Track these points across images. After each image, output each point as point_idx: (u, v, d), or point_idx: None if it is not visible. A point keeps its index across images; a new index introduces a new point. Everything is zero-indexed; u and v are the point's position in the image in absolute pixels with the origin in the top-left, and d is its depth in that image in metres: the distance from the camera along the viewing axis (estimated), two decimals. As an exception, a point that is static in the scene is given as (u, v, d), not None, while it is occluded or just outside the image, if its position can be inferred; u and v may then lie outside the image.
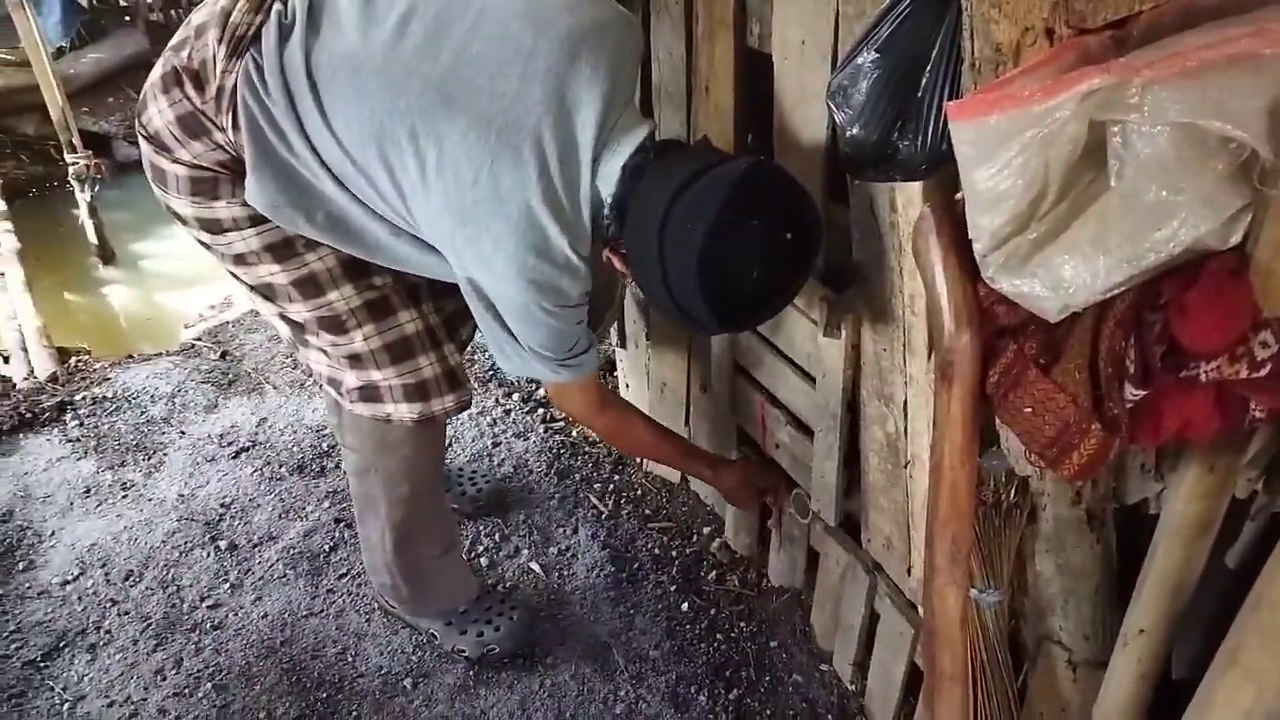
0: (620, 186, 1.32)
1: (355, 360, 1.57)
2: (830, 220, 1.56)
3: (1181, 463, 1.12)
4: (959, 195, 1.07)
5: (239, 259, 1.49)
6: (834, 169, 1.50)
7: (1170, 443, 1.05)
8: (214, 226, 1.46)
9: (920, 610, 1.63)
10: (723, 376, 1.99)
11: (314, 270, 1.49)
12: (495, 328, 1.43)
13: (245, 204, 1.41)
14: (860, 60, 1.04)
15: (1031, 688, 1.41)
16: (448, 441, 2.47)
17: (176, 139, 1.40)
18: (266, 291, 1.53)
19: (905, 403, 1.47)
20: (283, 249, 1.47)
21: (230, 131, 1.36)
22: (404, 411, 1.60)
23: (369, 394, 1.59)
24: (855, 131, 1.06)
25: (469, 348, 2.74)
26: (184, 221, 1.49)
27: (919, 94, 1.02)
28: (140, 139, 1.45)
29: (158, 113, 1.40)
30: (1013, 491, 1.22)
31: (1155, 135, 0.87)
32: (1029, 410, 0.97)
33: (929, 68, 1.02)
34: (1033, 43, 0.96)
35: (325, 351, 1.59)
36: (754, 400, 1.91)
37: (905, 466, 1.53)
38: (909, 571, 1.64)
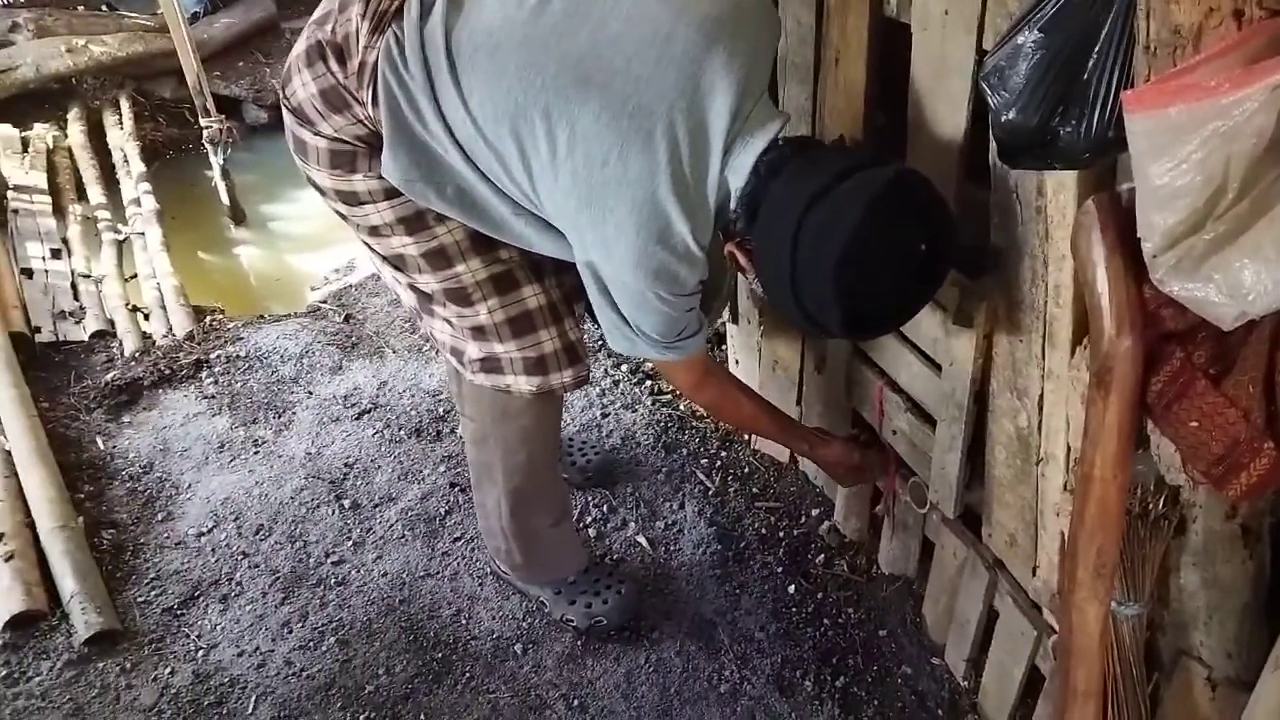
0: (753, 181, 1.29)
1: (479, 332, 1.59)
2: (966, 201, 1.49)
3: (1358, 481, 1.04)
4: (1124, 187, 1.00)
5: (373, 230, 1.52)
6: (972, 148, 1.43)
7: (1348, 461, 0.97)
8: (351, 199, 1.49)
9: (1044, 612, 1.57)
10: (839, 358, 1.94)
11: (443, 243, 1.51)
12: (607, 309, 1.43)
13: (381, 178, 1.43)
14: (1020, 39, 0.97)
15: (1165, 704, 1.34)
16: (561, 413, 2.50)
17: (319, 112, 1.43)
18: (398, 262, 1.56)
19: (1041, 397, 1.40)
20: (414, 222, 1.49)
21: (370, 107, 1.39)
22: (523, 384, 1.62)
23: (490, 365, 1.62)
24: (1012, 115, 0.99)
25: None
26: (323, 193, 1.53)
27: (1084, 78, 0.95)
28: (284, 111, 1.49)
29: (301, 85, 1.43)
30: (1161, 501, 1.15)
31: (1358, 130, 0.79)
32: (1195, 424, 0.91)
33: (1097, 50, 0.95)
34: (1218, 25, 0.88)
35: (450, 322, 1.61)
36: (871, 384, 1.86)
37: (1037, 464, 1.46)
38: (1034, 572, 1.57)
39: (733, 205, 1.33)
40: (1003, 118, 1.01)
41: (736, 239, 1.38)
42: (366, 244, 1.59)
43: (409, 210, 1.48)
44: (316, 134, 1.45)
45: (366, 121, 1.42)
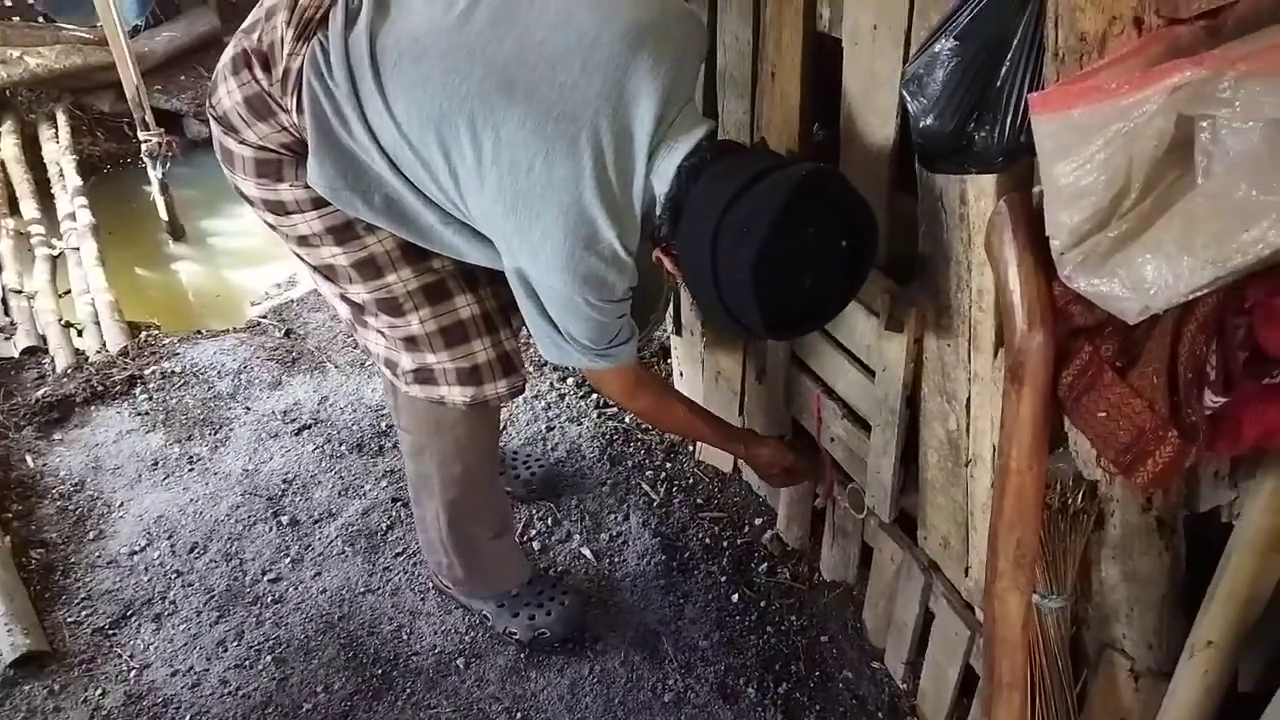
0: (675, 186, 1.31)
1: (411, 343, 1.58)
2: (895, 211, 1.53)
3: (1260, 471, 1.08)
4: (1036, 189, 1.04)
5: (302, 240, 1.51)
6: (901, 158, 1.47)
7: (1248, 452, 1.02)
8: (278, 208, 1.48)
9: (977, 612, 1.60)
10: (778, 367, 1.97)
11: (373, 253, 1.51)
12: (537, 317, 1.44)
13: (307, 187, 1.43)
14: (937, 48, 1.01)
15: (1091, 696, 1.37)
16: (503, 425, 2.49)
17: (244, 120, 1.42)
18: (328, 272, 1.55)
19: (968, 400, 1.44)
20: (343, 231, 1.49)
21: (295, 114, 1.38)
22: (457, 394, 1.61)
23: (423, 376, 1.61)
24: (930, 122, 1.03)
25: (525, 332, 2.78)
26: (251, 203, 1.51)
27: (997, 84, 0.99)
28: (210, 120, 1.48)
29: (227, 94, 1.43)
30: (1080, 496, 1.19)
31: (1247, 131, 0.83)
32: (1103, 415, 0.94)
33: (1009, 57, 0.99)
34: (1120, 33, 0.92)
35: (383, 333, 1.61)
36: (809, 392, 1.89)
37: (966, 465, 1.50)
38: (966, 572, 1.60)
39: (658, 210, 1.35)
40: (921, 123, 1.05)
41: (663, 244, 1.39)
42: (297, 254, 1.58)
43: (338, 220, 1.47)
44: (242, 142, 1.44)
45: (291, 129, 1.41)
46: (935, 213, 1.36)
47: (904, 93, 1.08)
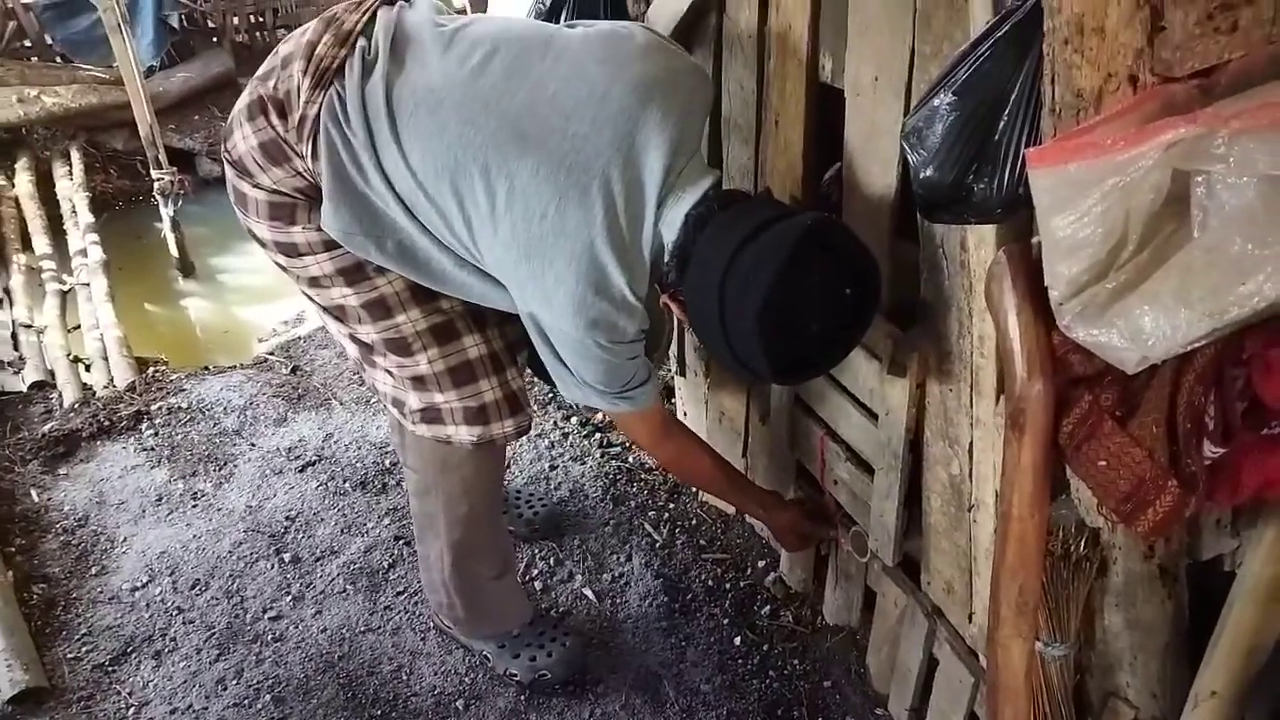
0: (683, 234, 1.34)
1: (419, 382, 1.60)
2: (897, 258, 1.55)
3: (1260, 521, 1.09)
4: (1035, 239, 1.05)
5: (313, 281, 1.54)
6: (903, 206, 1.50)
7: (1249, 501, 1.02)
8: (290, 250, 1.51)
9: (981, 659, 1.59)
10: (782, 409, 1.98)
11: (383, 294, 1.53)
12: (553, 359, 1.46)
13: (320, 230, 1.45)
14: (936, 102, 1.03)
15: (1097, 745, 1.36)
16: (507, 463, 2.50)
17: (258, 164, 1.45)
18: (338, 313, 1.57)
19: (971, 445, 1.44)
20: (354, 273, 1.51)
21: (309, 160, 1.41)
22: (464, 434, 1.62)
23: (431, 415, 1.62)
24: (929, 173, 1.05)
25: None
26: (263, 244, 1.54)
27: (996, 137, 1.01)
28: (225, 164, 1.51)
29: (242, 139, 1.46)
30: (1083, 543, 1.19)
31: (1242, 187, 0.85)
32: (1103, 464, 0.95)
33: (1007, 111, 1.01)
34: (1116, 89, 0.95)
35: (391, 372, 1.62)
36: (813, 434, 1.89)
37: (969, 510, 1.50)
38: (970, 618, 1.60)
39: (666, 258, 1.38)
40: (921, 175, 1.07)
41: (670, 290, 1.42)
42: (307, 295, 1.60)
43: (348, 261, 1.50)
44: (256, 186, 1.47)
45: (305, 174, 1.44)
46: (936, 260, 1.38)
47: (904, 144, 1.10)
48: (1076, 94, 0.98)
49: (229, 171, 1.51)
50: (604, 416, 2.64)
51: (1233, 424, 0.88)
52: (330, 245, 1.48)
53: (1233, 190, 0.85)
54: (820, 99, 1.66)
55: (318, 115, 1.38)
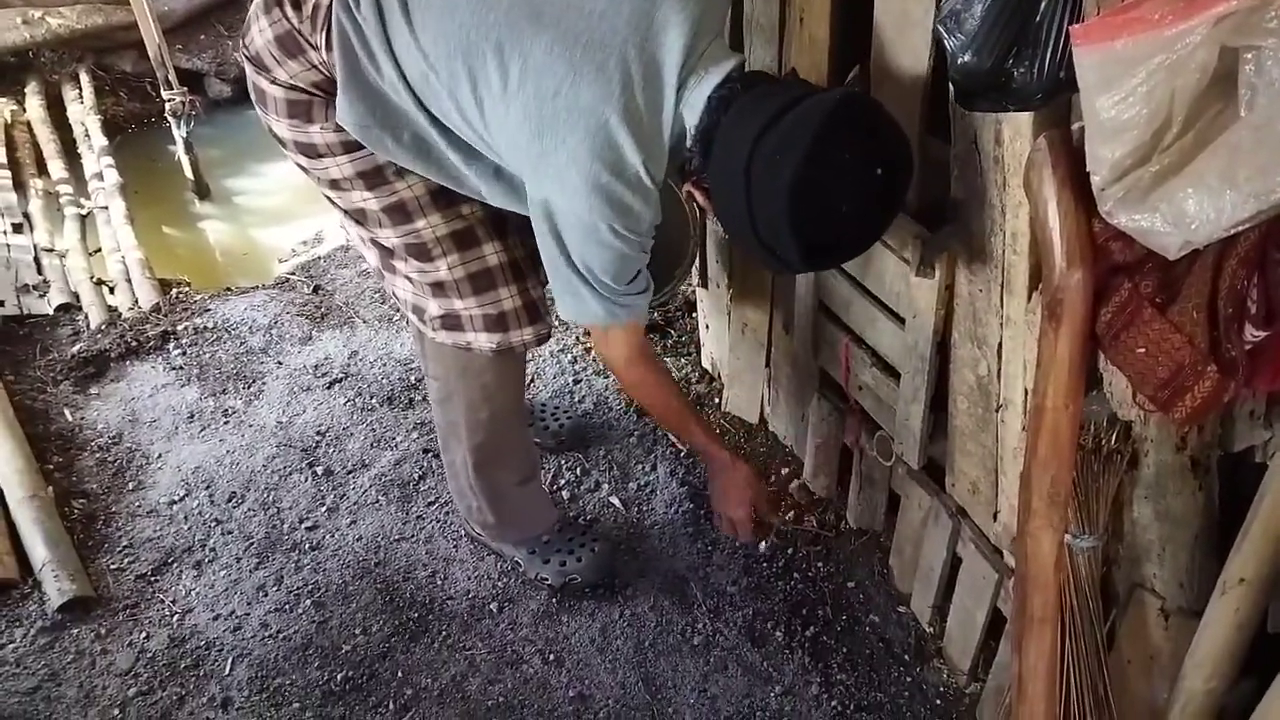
0: (706, 117, 1.30)
1: (439, 288, 1.60)
2: (926, 155, 1.52)
3: (1298, 410, 1.08)
4: (1076, 126, 1.03)
5: (334, 184, 1.54)
6: (933, 101, 1.46)
7: (1288, 388, 1.02)
8: (310, 151, 1.51)
9: (1005, 556, 1.62)
10: (806, 316, 1.97)
11: (403, 198, 1.53)
12: (559, 259, 1.42)
13: (338, 129, 1.45)
14: (975, -16, 1.00)
15: (1121, 634, 1.39)
16: (531, 378, 2.52)
17: (275, 58, 1.44)
18: (359, 216, 1.58)
19: (1000, 345, 1.44)
20: (373, 176, 1.51)
21: (324, 51, 1.41)
22: (483, 341, 1.64)
23: (450, 322, 1.63)
24: (967, 59, 1.02)
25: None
26: (283, 144, 1.54)
27: (1037, 19, 0.98)
28: (244, 60, 1.51)
29: (259, 33, 1.45)
30: (1114, 437, 1.19)
31: (1295, 62, 0.82)
32: (1142, 351, 0.95)
33: (1049, -9, 0.97)
34: (1164, -37, 0.91)
35: (410, 279, 1.63)
36: (838, 341, 1.89)
37: (997, 410, 1.50)
38: (995, 517, 1.62)
39: (689, 142, 1.34)
40: (959, 60, 1.04)
41: (694, 177, 1.39)
42: (328, 197, 1.60)
43: (368, 165, 1.49)
44: (274, 81, 1.46)
45: (321, 67, 1.43)
46: (969, 155, 1.35)
47: (940, 29, 1.07)
48: (1123, -30, 0.94)
49: (248, 69, 1.50)
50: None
51: (1276, 308, 0.87)
52: (349, 147, 1.47)
53: (1285, 65, 0.83)
54: (848, -8, 1.61)
55: (330, 3, 1.37)
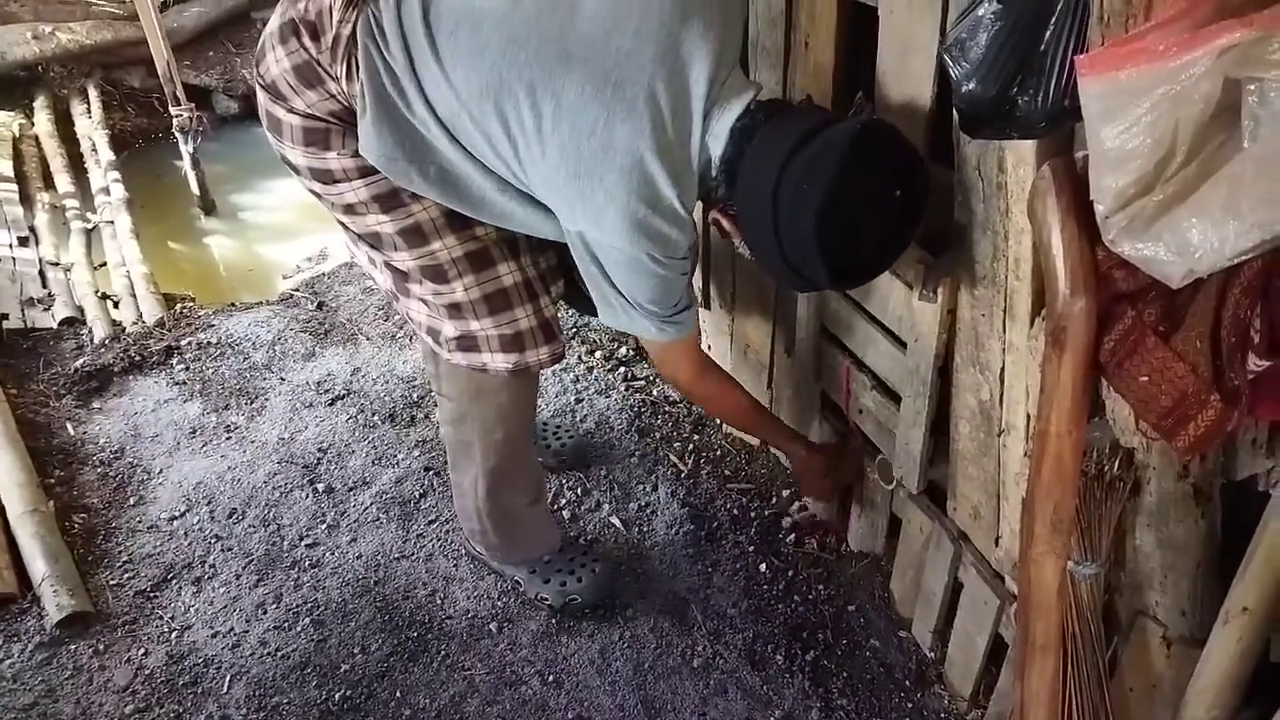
0: (730, 146, 1.33)
1: (455, 310, 1.61)
2: (932, 181, 1.53)
3: (1301, 439, 1.08)
4: (1079, 154, 1.04)
5: (349, 209, 1.54)
6: (937, 128, 1.47)
7: (1291, 418, 1.02)
8: (325, 177, 1.51)
9: (1007, 582, 1.61)
10: (808, 340, 1.98)
11: (418, 220, 1.53)
12: (603, 284, 1.46)
13: (355, 155, 1.45)
14: (980, 11, 1.01)
15: (1123, 662, 1.39)
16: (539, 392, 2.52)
17: (292, 88, 1.45)
18: (374, 240, 1.58)
19: (1002, 370, 1.44)
20: (389, 199, 1.51)
21: (344, 81, 1.41)
22: (500, 362, 1.64)
23: (467, 343, 1.63)
24: (972, 86, 1.03)
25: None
26: (297, 171, 1.54)
27: (1041, 48, 0.99)
28: (258, 89, 1.51)
29: (275, 62, 1.45)
30: (1116, 464, 1.19)
31: (1298, 94, 0.83)
32: (1145, 379, 0.95)
33: (1053, 20, 0.98)
34: (1167, -5, 0.92)
35: (426, 301, 1.63)
36: (839, 364, 1.89)
37: (999, 435, 1.50)
38: (997, 542, 1.61)
39: (714, 172, 1.37)
40: (963, 88, 1.05)
41: (720, 204, 1.41)
42: (342, 222, 1.60)
43: (384, 188, 1.50)
44: (290, 110, 1.46)
45: (339, 97, 1.43)
46: (972, 182, 1.36)
47: (945, 57, 1.08)
48: (1126, 0, 0.95)
49: (262, 96, 1.50)
50: (629, 349, 2.65)
51: (1279, 336, 0.88)
52: (365, 172, 1.48)
53: (1288, 97, 0.83)
54: (852, 18, 1.62)
55: (352, 34, 1.37)
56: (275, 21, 1.46)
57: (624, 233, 1.34)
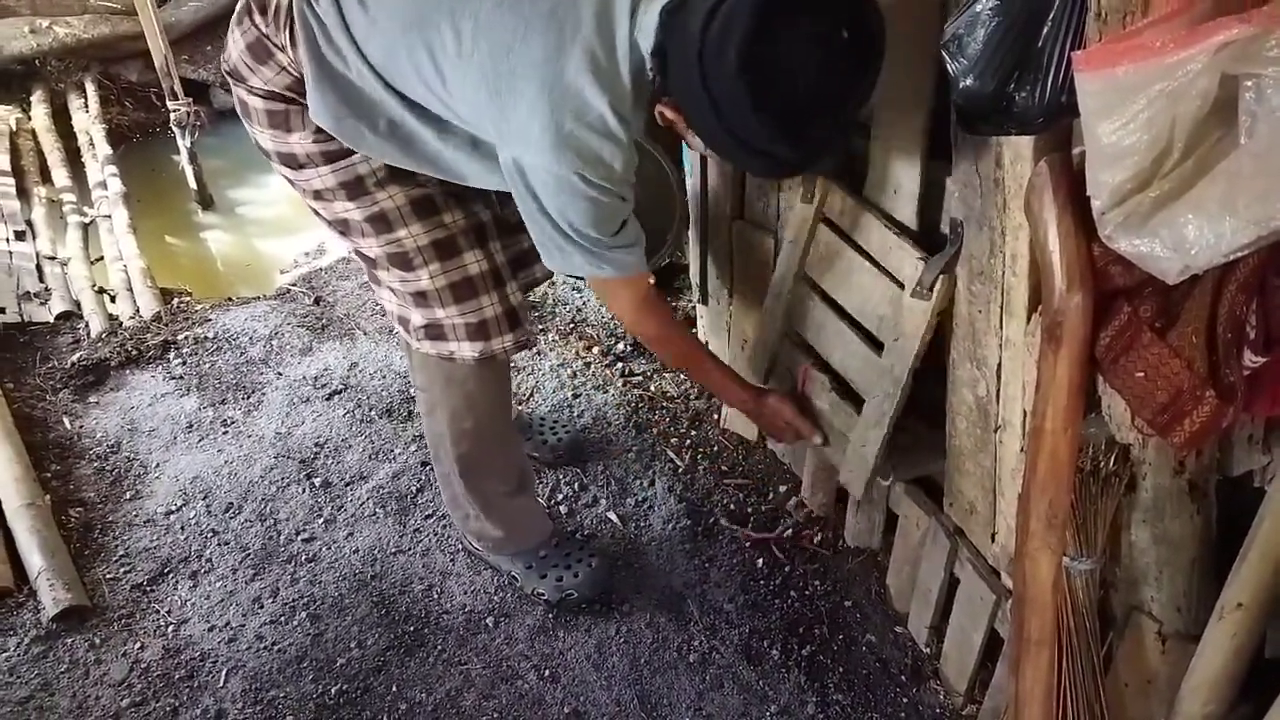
0: (659, 34, 1.27)
1: (421, 298, 1.62)
2: (928, 177, 1.53)
3: (1296, 435, 1.09)
4: (1077, 150, 1.04)
5: (317, 195, 1.56)
6: (934, 124, 1.47)
7: (1286, 414, 1.02)
8: (291, 161, 1.53)
9: (1003, 577, 1.62)
10: (769, 339, 2.00)
11: (384, 208, 1.55)
12: (540, 219, 1.42)
13: (317, 139, 1.48)
14: (978, 7, 1.01)
15: (1118, 658, 1.39)
16: (530, 392, 2.52)
17: (249, 67, 1.48)
18: (343, 227, 1.60)
19: (999, 365, 1.44)
20: (355, 186, 1.53)
21: (290, 49, 1.43)
22: (467, 350, 1.66)
23: (434, 332, 1.65)
24: (970, 82, 1.03)
25: (544, 296, 2.79)
26: (269, 156, 1.58)
27: (1039, 44, 0.99)
28: (227, 77, 1.55)
29: (233, 44, 1.49)
30: (1112, 460, 1.19)
31: (1295, 90, 0.83)
32: (1141, 375, 0.95)
33: (1051, 16, 0.99)
34: (1165, -9, 0.92)
35: (394, 289, 1.65)
36: (797, 365, 1.92)
37: (995, 431, 1.51)
38: (993, 538, 1.62)
39: (648, 69, 1.31)
40: (961, 84, 1.05)
41: (662, 99, 1.35)
42: (313, 209, 1.63)
43: (349, 175, 1.51)
44: (251, 91, 1.49)
45: (291, 68, 1.46)
46: (970, 178, 1.36)
47: (943, 53, 1.08)
48: (1124, -3, 0.95)
49: (231, 85, 1.54)
50: (627, 344, 2.65)
51: (1274, 333, 0.88)
52: (330, 157, 1.49)
53: (1284, 94, 0.83)
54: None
55: (289, 3, 1.40)
56: (237, 7, 1.50)
57: (550, 150, 1.30)
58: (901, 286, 1.58)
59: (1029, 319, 1.32)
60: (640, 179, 1.46)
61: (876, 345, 1.69)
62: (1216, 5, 0.88)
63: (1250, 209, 0.85)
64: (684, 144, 1.77)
